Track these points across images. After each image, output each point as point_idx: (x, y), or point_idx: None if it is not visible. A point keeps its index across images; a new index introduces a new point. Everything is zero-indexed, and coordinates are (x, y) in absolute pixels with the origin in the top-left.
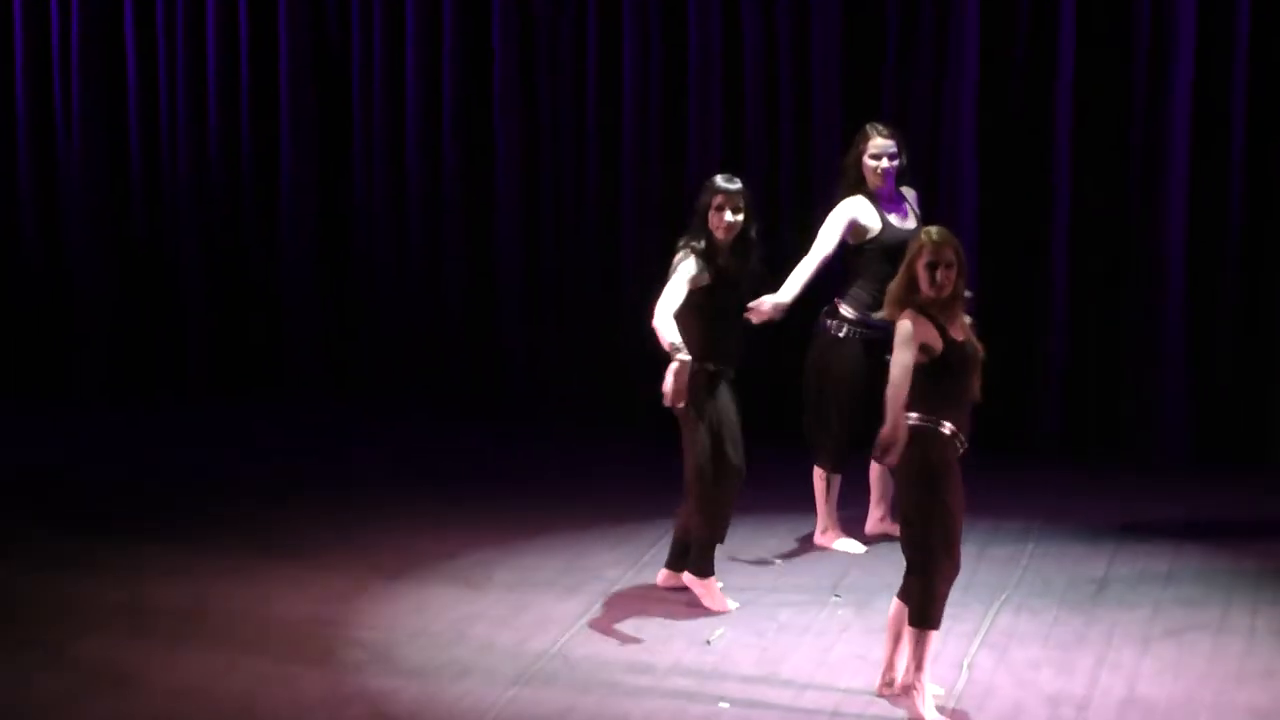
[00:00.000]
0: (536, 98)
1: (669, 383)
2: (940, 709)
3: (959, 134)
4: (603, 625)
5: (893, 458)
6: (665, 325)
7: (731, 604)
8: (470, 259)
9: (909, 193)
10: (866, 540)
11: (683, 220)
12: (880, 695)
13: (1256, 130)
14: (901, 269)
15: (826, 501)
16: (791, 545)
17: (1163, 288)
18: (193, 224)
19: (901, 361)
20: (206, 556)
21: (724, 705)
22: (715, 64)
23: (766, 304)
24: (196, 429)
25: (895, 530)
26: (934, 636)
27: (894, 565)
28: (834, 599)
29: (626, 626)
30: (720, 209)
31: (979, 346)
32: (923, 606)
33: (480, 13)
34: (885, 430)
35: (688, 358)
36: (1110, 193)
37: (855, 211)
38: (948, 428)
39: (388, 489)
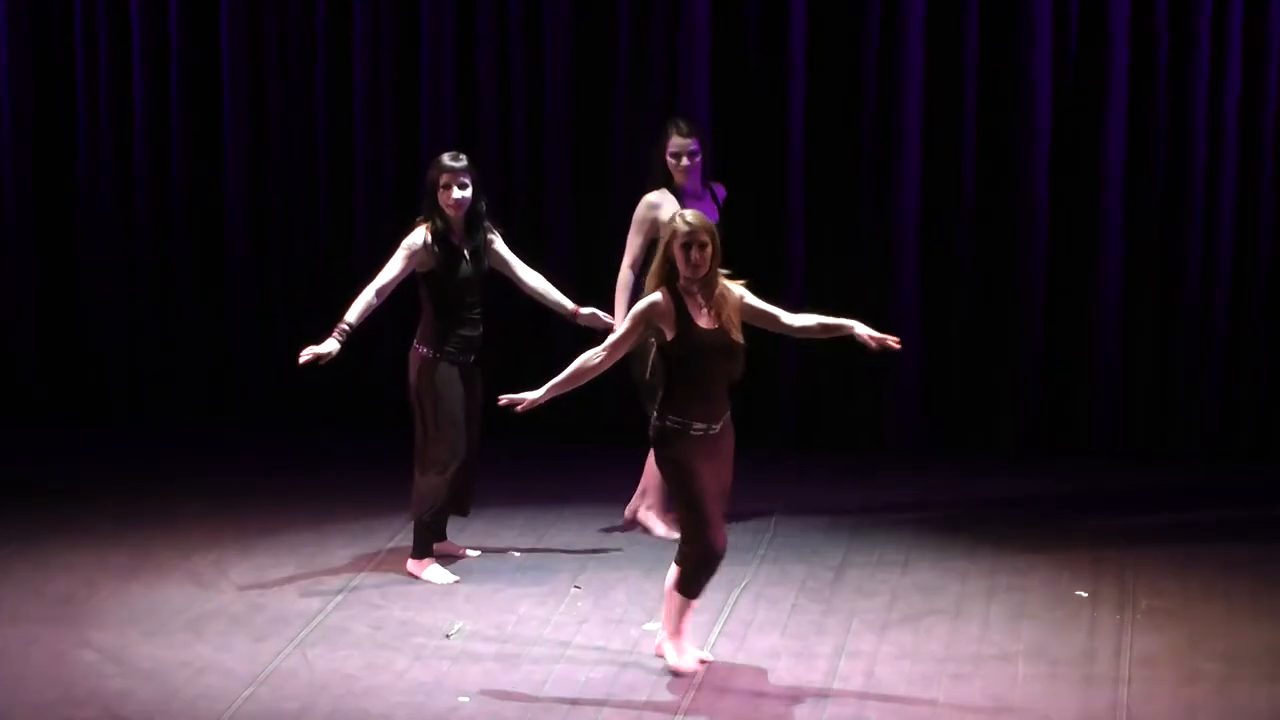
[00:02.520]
0: (265, 93)
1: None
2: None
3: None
4: (341, 622)
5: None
6: (357, 301)
7: (451, 576)
8: (197, 264)
9: (719, 189)
10: (625, 526)
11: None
12: (656, 655)
13: (987, 121)
14: (657, 254)
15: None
16: (530, 538)
17: (895, 275)
18: None
19: (614, 334)
20: None
21: (463, 700)
22: (448, 47)
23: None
24: None
25: (648, 521)
26: (693, 606)
27: (632, 559)
28: (574, 590)
29: (365, 623)
30: (447, 187)
31: (732, 336)
32: (685, 580)
33: (207, 7)
34: (540, 393)
35: (333, 347)
36: (843, 182)
37: (654, 209)
38: (696, 428)
39: (117, 493)
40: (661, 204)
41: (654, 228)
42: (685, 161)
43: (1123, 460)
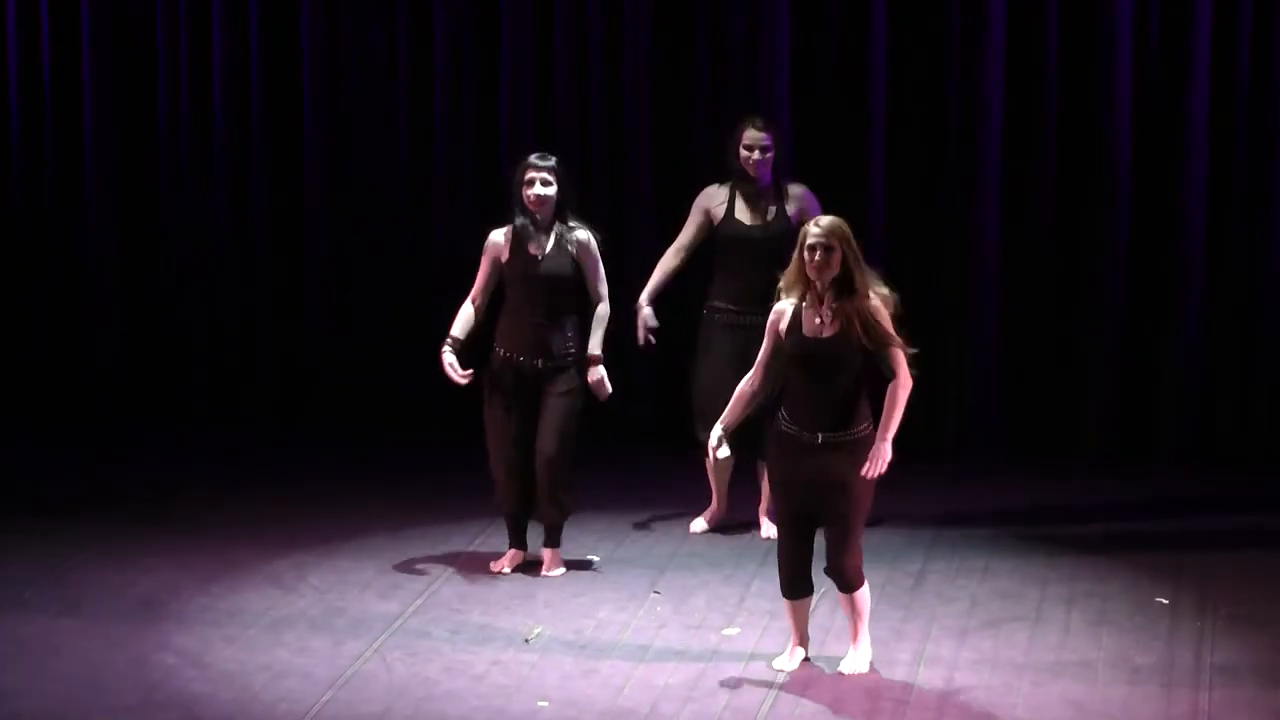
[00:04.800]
0: (344, 85)
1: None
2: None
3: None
4: (420, 626)
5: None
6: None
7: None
8: (277, 271)
9: (796, 190)
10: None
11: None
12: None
13: (1068, 125)
14: (794, 254)
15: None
16: (609, 543)
17: (975, 279)
18: None
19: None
20: (16, 564)
21: (543, 704)
22: (527, 50)
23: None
24: None
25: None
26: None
27: (711, 564)
28: (653, 595)
29: (443, 627)
30: (530, 183)
31: (850, 344)
32: None
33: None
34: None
35: (447, 357)
36: (924, 182)
37: (706, 199)
38: (784, 423)
39: (197, 495)
40: (713, 198)
41: (703, 215)
42: (757, 155)
43: (1203, 466)
